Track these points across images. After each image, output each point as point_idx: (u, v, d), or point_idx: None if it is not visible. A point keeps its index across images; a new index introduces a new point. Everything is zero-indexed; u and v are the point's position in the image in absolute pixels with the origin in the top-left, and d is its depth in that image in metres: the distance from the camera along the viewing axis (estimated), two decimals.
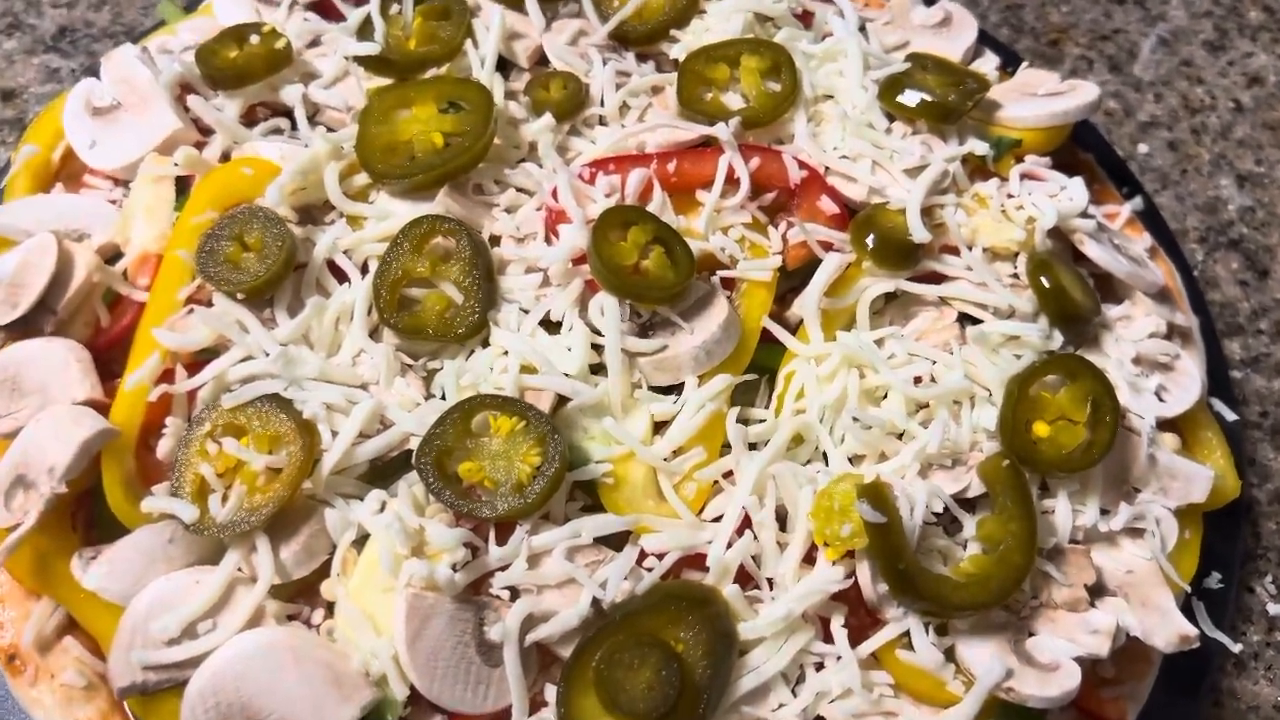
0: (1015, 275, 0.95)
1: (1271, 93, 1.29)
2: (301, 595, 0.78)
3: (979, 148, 1.00)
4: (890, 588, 0.77)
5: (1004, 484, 0.81)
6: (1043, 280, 0.92)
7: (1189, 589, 0.88)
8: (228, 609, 0.76)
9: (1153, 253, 1.06)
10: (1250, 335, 1.11)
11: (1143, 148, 1.24)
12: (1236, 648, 0.89)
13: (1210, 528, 0.92)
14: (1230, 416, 0.99)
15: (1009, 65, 1.16)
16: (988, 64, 1.11)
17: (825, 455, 0.85)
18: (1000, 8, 1.34)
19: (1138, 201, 1.10)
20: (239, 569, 0.77)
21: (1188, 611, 0.89)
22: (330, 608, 0.78)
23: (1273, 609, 0.95)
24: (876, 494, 0.77)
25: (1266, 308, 1.13)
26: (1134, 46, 1.32)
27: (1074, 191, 1.00)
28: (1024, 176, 1.01)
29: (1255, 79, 1.30)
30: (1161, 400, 0.93)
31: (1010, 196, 0.99)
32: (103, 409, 0.83)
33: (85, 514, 0.82)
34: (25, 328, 0.86)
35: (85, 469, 0.79)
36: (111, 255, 0.92)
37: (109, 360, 0.87)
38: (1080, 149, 1.13)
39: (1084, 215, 0.99)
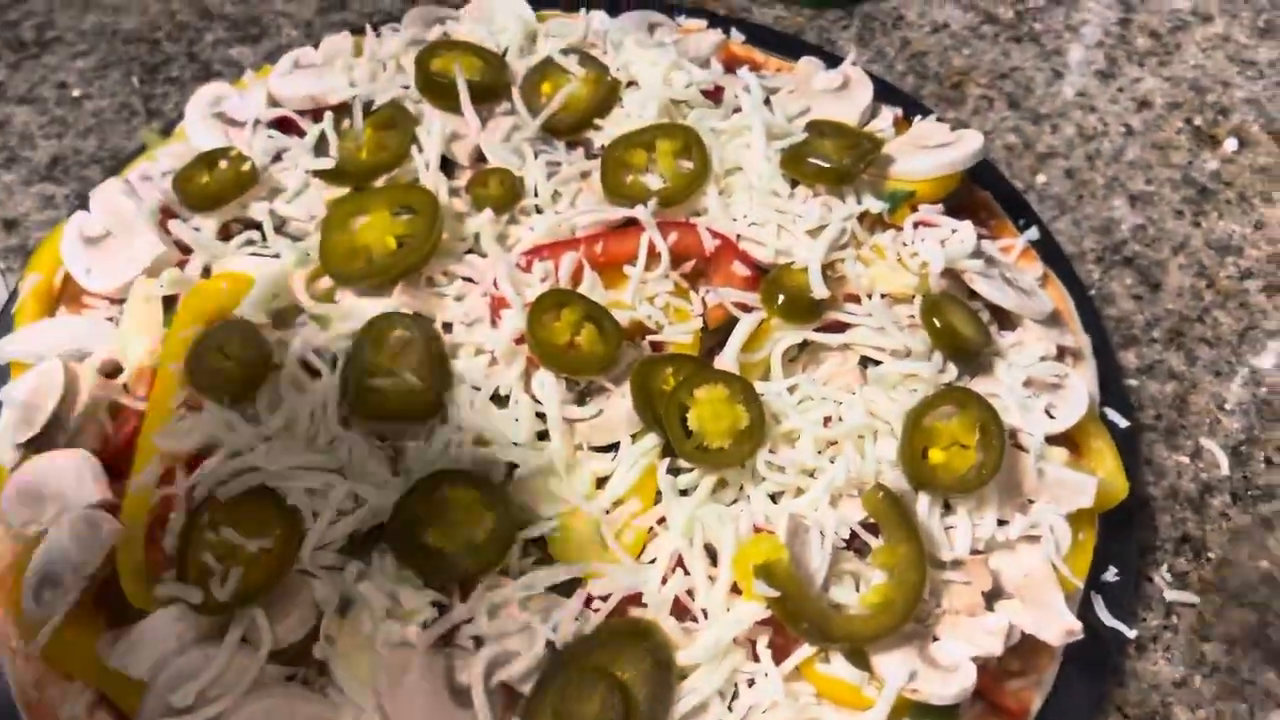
0: (913, 317, 1.07)
1: (1159, 114, 1.40)
2: (297, 659, 0.90)
3: (874, 205, 1.12)
4: (803, 639, 0.89)
5: (884, 512, 0.92)
6: (934, 321, 1.04)
7: (1081, 585, 0.99)
8: (234, 675, 0.87)
9: (1044, 280, 1.17)
10: (1145, 345, 1.22)
11: (1041, 178, 1.35)
12: (1132, 634, 1.00)
13: (1108, 526, 1.03)
14: (1123, 423, 1.10)
15: (912, 113, 1.27)
16: (885, 120, 1.23)
17: (749, 494, 0.97)
18: (905, 57, 1.45)
19: (1033, 232, 1.20)
20: (242, 639, 0.88)
21: (1089, 604, 1.01)
22: (322, 667, 0.89)
23: (1169, 595, 1.06)
24: (769, 572, 0.87)
25: (1159, 318, 1.24)
26: (1030, 82, 1.43)
27: (963, 234, 1.12)
28: (917, 224, 1.13)
29: (1144, 103, 1.41)
30: (1051, 417, 1.04)
31: (905, 245, 1.11)
32: (114, 509, 0.95)
33: (106, 602, 0.94)
34: (41, 443, 0.98)
35: (103, 563, 0.92)
36: (112, 369, 1.04)
37: (117, 464, 0.99)
38: (979, 186, 1.25)
39: (974, 255, 1.11)
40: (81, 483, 0.96)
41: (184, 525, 0.92)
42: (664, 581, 0.91)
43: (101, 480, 0.97)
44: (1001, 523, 0.98)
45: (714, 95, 1.23)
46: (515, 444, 0.96)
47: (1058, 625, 0.93)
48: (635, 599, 0.91)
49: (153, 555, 0.93)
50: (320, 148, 1.16)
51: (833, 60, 1.30)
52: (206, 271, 1.09)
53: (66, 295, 1.12)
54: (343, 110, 1.19)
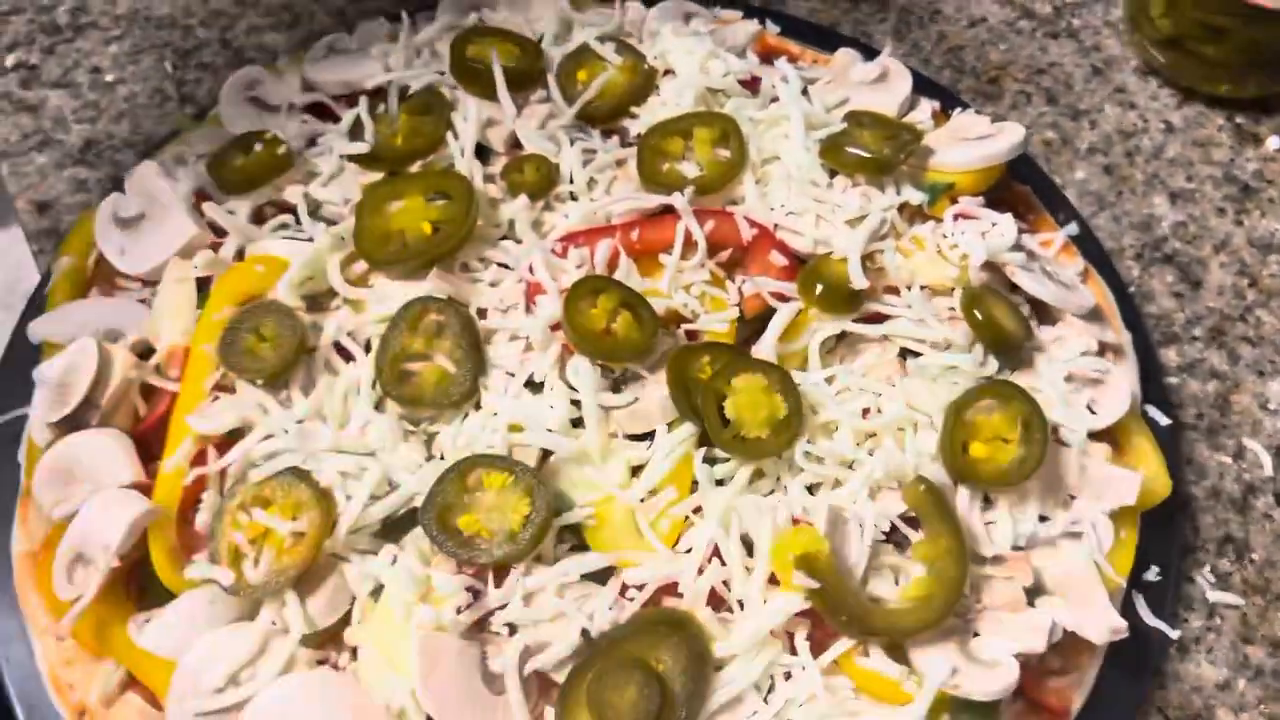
0: (953, 309, 1.05)
1: (1200, 110, 1.38)
2: (328, 642, 0.89)
3: (914, 197, 1.10)
4: (841, 632, 0.87)
5: (925, 506, 0.91)
6: (975, 313, 1.02)
7: (1125, 583, 0.97)
8: (265, 658, 0.87)
9: (1085, 275, 1.15)
10: (1185, 343, 1.20)
11: (1080, 173, 1.33)
12: (1176, 634, 0.98)
13: (1149, 525, 1.01)
14: (1164, 421, 1.08)
15: (950, 107, 1.25)
16: (923, 112, 1.21)
17: (786, 485, 0.95)
18: (942, 51, 1.44)
19: (1072, 227, 1.19)
20: (273, 623, 0.88)
21: (1130, 604, 0.99)
22: (354, 652, 0.88)
23: (1212, 596, 1.04)
24: (810, 564, 0.86)
25: (1200, 316, 1.22)
26: (1069, 78, 1.42)
27: (1004, 227, 1.10)
28: (957, 216, 1.11)
29: (1184, 99, 1.39)
30: (1093, 413, 1.03)
31: (945, 237, 1.09)
32: (146, 490, 0.94)
33: (137, 583, 0.93)
34: (74, 423, 0.98)
35: (134, 544, 0.91)
36: (144, 351, 1.03)
37: (149, 445, 0.98)
38: (1017, 181, 1.23)
39: (1015, 248, 1.09)
40: (114, 462, 0.95)
41: (217, 506, 0.92)
42: (700, 571, 0.89)
43: (134, 460, 0.96)
44: (1043, 519, 0.96)
45: (751, 85, 1.22)
46: (550, 430, 0.95)
47: (1102, 623, 0.91)
48: (671, 589, 0.89)
49: (185, 536, 0.92)
50: (355, 133, 1.15)
51: (869, 53, 1.29)
52: (240, 254, 1.08)
53: (99, 277, 1.12)
54: (378, 95, 1.18)
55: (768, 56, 1.27)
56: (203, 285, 1.05)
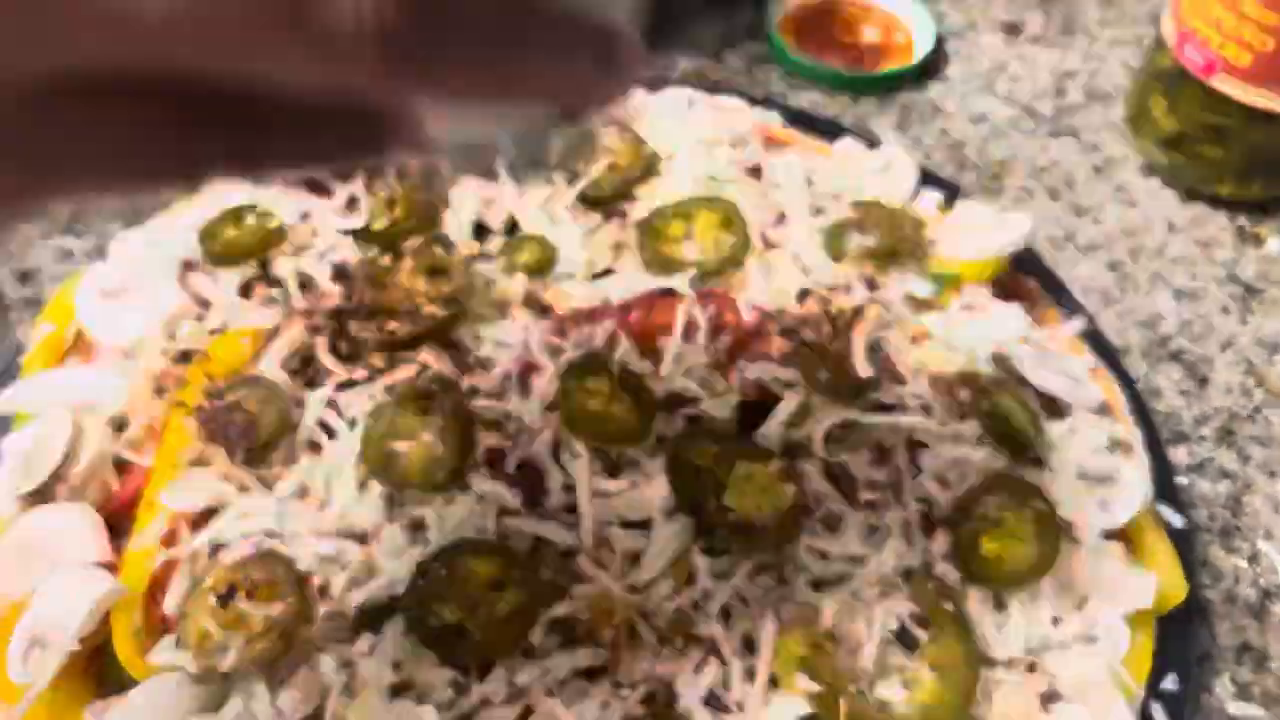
0: (960, 402, 1.02)
1: (1202, 211, 1.38)
2: None
3: (919, 288, 1.08)
4: None
5: (934, 605, 0.87)
6: (984, 405, 0.99)
7: (1143, 692, 0.92)
8: None
9: (1093, 370, 1.13)
10: (1194, 442, 1.17)
11: (1084, 269, 1.32)
12: None
13: (1166, 631, 0.97)
14: (1178, 522, 1.04)
15: (953, 200, 1.24)
16: (928, 203, 1.20)
17: (790, 580, 0.91)
18: (944, 146, 1.44)
19: (1078, 322, 1.17)
20: (239, 715, 0.82)
21: (1148, 714, 0.94)
22: None
23: (1232, 708, 0.99)
24: (813, 665, 0.82)
25: (1208, 415, 1.19)
26: (1070, 176, 1.42)
27: (1012, 319, 1.08)
28: (964, 307, 1.09)
29: (1186, 199, 1.39)
30: (1106, 511, 0.99)
31: (952, 327, 1.07)
32: (113, 569, 0.89)
33: (97, 668, 0.87)
34: (41, 497, 0.93)
35: (97, 626, 0.85)
36: (121, 424, 0.99)
37: (119, 522, 0.93)
38: (1023, 275, 1.21)
39: (1023, 340, 1.07)
40: (80, 539, 0.90)
41: (186, 588, 0.87)
42: (697, 670, 0.84)
43: (101, 537, 0.91)
44: (1056, 620, 0.92)
45: (754, 172, 1.21)
46: (542, 516, 0.90)
47: None
48: (666, 687, 0.84)
49: (151, 619, 0.87)
50: (350, 208, 1.13)
51: (872, 145, 1.28)
52: (225, 328, 1.04)
53: (78, 347, 1.08)
54: (374, 171, 1.16)
55: (770, 146, 1.27)
56: (184, 358, 1.01)
